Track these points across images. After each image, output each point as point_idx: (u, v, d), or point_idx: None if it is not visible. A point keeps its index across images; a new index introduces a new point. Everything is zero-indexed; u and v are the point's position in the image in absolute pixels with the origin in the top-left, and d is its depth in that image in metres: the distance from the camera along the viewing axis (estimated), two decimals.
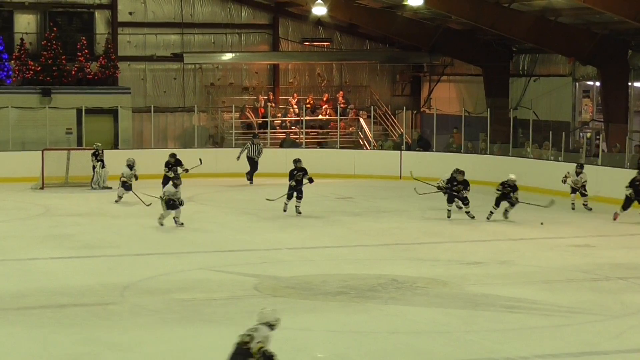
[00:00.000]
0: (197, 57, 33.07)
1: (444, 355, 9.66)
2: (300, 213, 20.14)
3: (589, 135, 29.84)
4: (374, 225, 20.17)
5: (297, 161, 20.98)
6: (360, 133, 33.92)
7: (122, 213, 20.68)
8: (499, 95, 31.93)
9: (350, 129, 33.69)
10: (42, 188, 25.37)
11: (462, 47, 32.77)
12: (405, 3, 27.54)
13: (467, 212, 19.74)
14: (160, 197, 18.38)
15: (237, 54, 34.06)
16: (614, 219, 19.91)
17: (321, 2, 28.07)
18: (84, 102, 28.77)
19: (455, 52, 33.04)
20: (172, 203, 18.20)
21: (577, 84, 30.18)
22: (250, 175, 26.35)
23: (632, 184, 19.88)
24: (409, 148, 31.22)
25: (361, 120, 33.79)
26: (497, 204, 19.74)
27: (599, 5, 23.55)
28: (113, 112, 28.98)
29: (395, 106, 34.60)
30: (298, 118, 33.24)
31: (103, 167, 25.38)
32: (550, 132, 27.59)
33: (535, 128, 28.25)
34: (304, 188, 19.97)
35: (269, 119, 32.45)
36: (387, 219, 20.92)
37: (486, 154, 29.10)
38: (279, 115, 33.89)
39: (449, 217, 19.78)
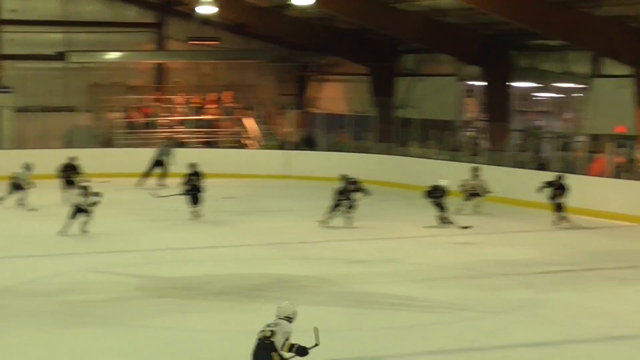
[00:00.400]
0: (82, 56, 32.37)
1: (329, 354, 9.48)
2: (199, 217, 20.07)
3: (472, 134, 30.33)
4: (259, 224, 20.20)
5: (192, 165, 20.84)
6: (246, 133, 33.94)
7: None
8: (385, 94, 32.25)
9: (237, 128, 33.70)
10: None
11: (350, 46, 32.92)
12: (292, 3, 27.17)
13: (347, 219, 19.55)
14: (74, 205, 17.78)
15: (123, 53, 33.86)
16: (554, 225, 20.36)
17: (208, 1, 27.55)
18: None
19: (343, 52, 33.18)
20: (79, 210, 17.72)
21: (461, 83, 30.71)
22: (146, 177, 25.83)
23: (550, 185, 20.26)
24: (295, 147, 31.53)
25: (247, 119, 33.94)
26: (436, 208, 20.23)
27: (483, 6, 23.96)
28: None
29: (282, 105, 34.97)
30: (184, 118, 33.44)
31: None
32: (435, 131, 28.12)
33: (420, 127, 28.77)
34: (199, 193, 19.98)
35: (155, 118, 32.25)
36: (272, 218, 20.97)
37: (372, 153, 29.41)
38: (165, 115, 33.66)
39: (324, 223, 19.52)
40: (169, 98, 34.59)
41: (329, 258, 16.41)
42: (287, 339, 7.58)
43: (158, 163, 27.43)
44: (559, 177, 20.41)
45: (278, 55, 36.44)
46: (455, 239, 18.40)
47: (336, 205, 18.89)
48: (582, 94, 27.47)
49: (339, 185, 19.41)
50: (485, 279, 14.81)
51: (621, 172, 24.31)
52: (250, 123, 34.29)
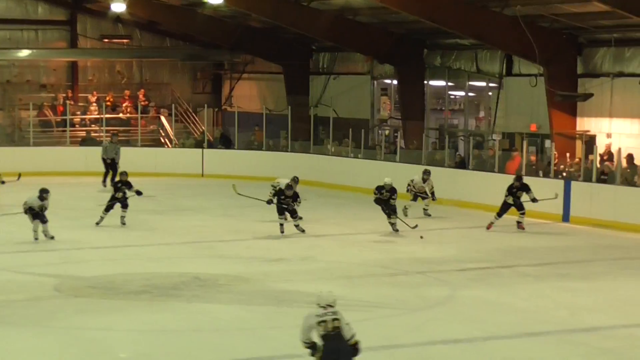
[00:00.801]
0: None
1: (247, 352, 9.72)
2: (124, 224, 19.60)
3: (387, 132, 30.83)
4: (177, 223, 20.25)
5: (122, 174, 20.52)
6: (161, 131, 33.97)
7: None
8: (300, 93, 32.58)
9: (151, 127, 33.73)
10: None
11: (263, 45, 33.16)
12: (205, 0, 27.37)
13: (296, 226, 19.27)
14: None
15: (34, 50, 33.73)
16: (488, 229, 19.88)
17: None
18: None
19: (256, 50, 33.47)
20: (35, 213, 17.22)
21: (375, 82, 31.06)
22: (105, 178, 25.43)
23: (510, 190, 19.99)
24: (210, 146, 31.34)
25: (162, 118, 33.88)
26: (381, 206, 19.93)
27: (394, 5, 24.17)
28: None
29: (197, 104, 35.13)
30: (98, 116, 33.13)
31: None
32: (350, 130, 28.11)
33: (335, 125, 28.84)
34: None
35: (68, 116, 31.45)
36: (190, 217, 21.02)
37: (287, 151, 29.61)
38: (79, 113, 33.83)
39: (282, 232, 18.99)
40: (83, 96, 34.74)
41: (245, 257, 16.42)
42: (352, 334, 7.63)
43: (108, 161, 26.82)
44: (519, 178, 20.48)
45: (191, 53, 36.54)
46: (370, 237, 18.62)
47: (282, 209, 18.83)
48: (493, 91, 27.80)
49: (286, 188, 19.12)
50: (402, 277, 14.90)
51: (537, 170, 24.67)
52: (166, 122, 34.37)
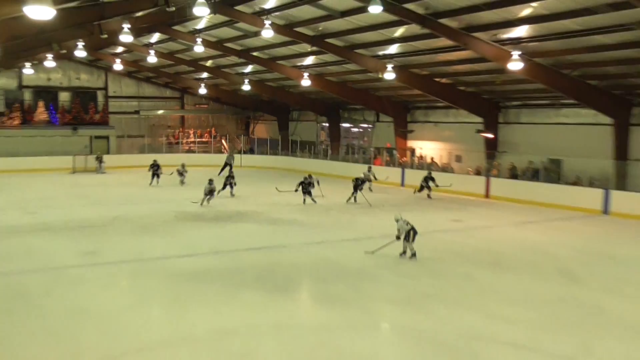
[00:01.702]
0: (148, 112, 43.59)
1: (262, 243, 15.75)
2: (233, 195, 24.45)
3: (324, 147, 39.27)
4: (242, 192, 25.17)
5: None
6: (222, 147, 43.26)
7: None
8: (284, 129, 44.60)
9: (217, 145, 42.96)
10: (73, 172, 33.94)
11: (267, 107, 45.49)
12: (242, 88, 36.57)
13: (312, 199, 23.64)
14: None
15: (165, 110, 46.33)
16: (414, 192, 26.46)
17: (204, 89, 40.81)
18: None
19: (264, 110, 46.32)
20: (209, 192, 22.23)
21: (318, 124, 41.74)
22: (221, 171, 32.21)
23: (425, 179, 26.28)
24: (244, 153, 40.16)
25: (222, 141, 43.48)
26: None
27: (326, 89, 35.64)
28: None
29: (237, 135, 45.41)
30: (193, 140, 42.85)
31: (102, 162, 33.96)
32: (307, 146, 39.21)
33: (301, 145, 39.23)
34: None
35: (180, 140, 42.03)
36: (241, 188, 25.68)
37: (279, 155, 39.02)
38: (185, 139, 43.24)
39: (304, 202, 23.27)
40: (186, 131, 45.81)
41: (276, 206, 23.85)
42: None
43: (227, 164, 33.63)
44: (429, 172, 26.73)
45: (235, 111, 48.04)
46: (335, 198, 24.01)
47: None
48: (371, 129, 38.46)
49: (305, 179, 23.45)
50: (336, 212, 22.08)
51: (390, 164, 33.23)
52: (224, 142, 44.66)
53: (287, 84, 37.35)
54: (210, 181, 21.92)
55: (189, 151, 41.77)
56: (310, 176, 22.90)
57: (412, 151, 34.32)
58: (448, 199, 26.00)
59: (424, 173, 26.91)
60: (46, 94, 41.21)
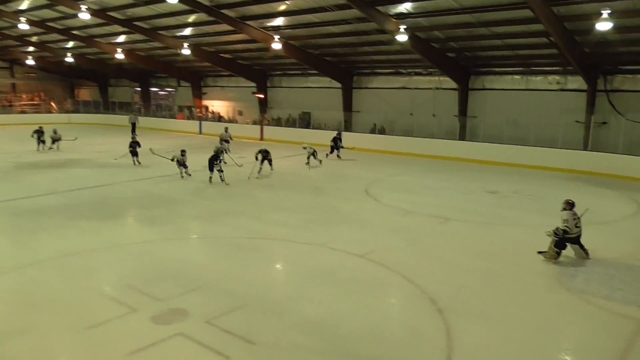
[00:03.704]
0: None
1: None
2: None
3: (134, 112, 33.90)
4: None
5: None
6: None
7: None
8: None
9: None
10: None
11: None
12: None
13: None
14: None
15: None
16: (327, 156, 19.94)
17: None
18: None
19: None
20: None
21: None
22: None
23: (334, 139, 20.69)
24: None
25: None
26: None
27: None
28: None
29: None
30: None
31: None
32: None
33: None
34: None
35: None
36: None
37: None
38: None
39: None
40: (19, 96, 37.83)
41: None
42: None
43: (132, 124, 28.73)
44: (338, 133, 21.32)
45: (61, 78, 39.64)
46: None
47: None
48: (174, 92, 35.83)
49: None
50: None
51: (200, 119, 31.08)
52: (53, 104, 37.69)
53: (105, 57, 34.14)
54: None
55: (22, 112, 36.44)
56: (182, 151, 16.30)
57: (207, 108, 33.74)
58: (234, 142, 25.49)
59: (225, 125, 25.05)
60: None
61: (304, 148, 18.33)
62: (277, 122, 29.38)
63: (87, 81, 41.03)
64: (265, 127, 28.01)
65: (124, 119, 32.88)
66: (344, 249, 9.19)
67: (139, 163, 17.77)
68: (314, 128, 27.16)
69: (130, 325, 6.21)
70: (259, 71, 30.59)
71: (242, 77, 30.95)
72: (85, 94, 42.16)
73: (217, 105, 33.60)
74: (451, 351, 5.81)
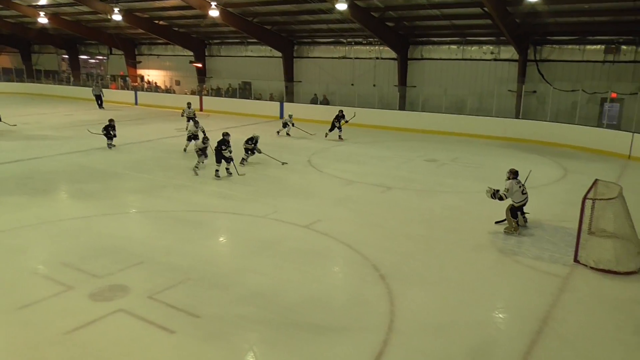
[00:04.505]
0: None
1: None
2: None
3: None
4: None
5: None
6: None
7: None
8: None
9: None
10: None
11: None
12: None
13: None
14: None
15: None
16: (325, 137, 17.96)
17: None
18: None
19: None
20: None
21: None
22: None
23: (337, 117, 17.64)
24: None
25: None
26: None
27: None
28: None
29: None
30: None
31: None
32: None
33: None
34: None
35: None
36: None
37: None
38: None
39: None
40: None
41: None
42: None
43: (97, 96, 26.55)
44: (340, 111, 18.10)
45: None
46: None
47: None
48: (106, 60, 34.86)
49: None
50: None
51: (135, 89, 29.95)
52: None
53: (26, 20, 31.97)
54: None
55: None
56: (110, 120, 15.64)
57: (142, 78, 32.63)
58: (170, 112, 25.01)
59: (187, 98, 24.11)
60: None
61: (289, 116, 18.09)
62: (217, 93, 29.04)
63: (7, 47, 38.47)
64: (205, 98, 27.61)
65: (50, 89, 31.66)
66: (288, 220, 9.22)
67: (113, 146, 15.50)
68: (255, 98, 26.93)
69: (66, 304, 6.02)
70: (196, 40, 29.90)
71: (179, 46, 30.18)
72: (5, 60, 39.61)
73: (153, 75, 32.58)
74: (393, 315, 6.01)
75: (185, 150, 14.98)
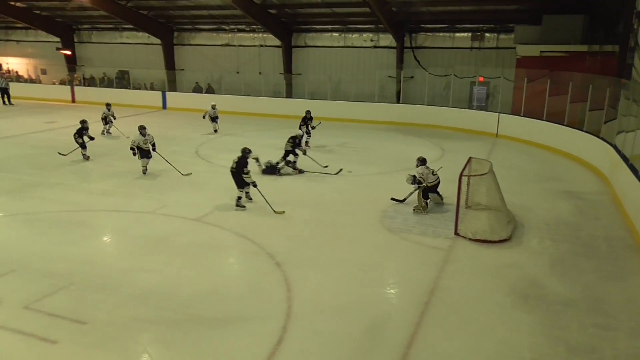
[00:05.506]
0: None
1: None
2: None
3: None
4: None
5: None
6: None
7: None
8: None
9: None
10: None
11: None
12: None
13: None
14: None
15: None
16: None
17: None
18: None
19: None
20: None
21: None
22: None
23: (304, 119, 15.08)
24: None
25: None
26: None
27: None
28: None
29: None
30: None
31: None
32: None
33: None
34: None
35: None
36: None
37: None
38: None
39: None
40: None
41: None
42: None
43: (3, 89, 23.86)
44: (308, 112, 15.42)
45: None
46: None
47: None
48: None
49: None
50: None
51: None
52: None
53: None
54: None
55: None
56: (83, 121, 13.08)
57: (0, 66, 30.40)
58: (37, 104, 23.58)
59: (57, 88, 23.31)
60: None
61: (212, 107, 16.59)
62: (91, 82, 27.14)
63: None
64: (77, 88, 25.96)
65: None
66: (177, 214, 8.98)
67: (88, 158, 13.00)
68: (134, 88, 25.66)
69: None
70: (62, 24, 27.92)
71: (41, 30, 27.93)
72: None
73: (12, 63, 30.14)
74: (291, 301, 6.12)
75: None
